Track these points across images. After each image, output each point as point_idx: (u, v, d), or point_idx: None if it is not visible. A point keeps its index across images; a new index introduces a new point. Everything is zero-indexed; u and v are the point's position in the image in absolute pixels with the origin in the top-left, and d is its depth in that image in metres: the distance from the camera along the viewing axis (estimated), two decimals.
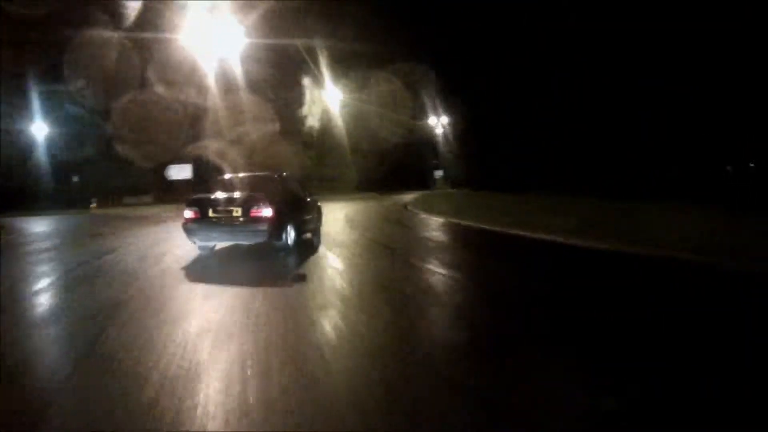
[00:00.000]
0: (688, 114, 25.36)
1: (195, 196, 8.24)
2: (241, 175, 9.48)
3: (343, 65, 40.96)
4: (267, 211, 7.50)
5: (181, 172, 31.36)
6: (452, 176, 62.43)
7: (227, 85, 31.14)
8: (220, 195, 7.96)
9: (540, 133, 31.58)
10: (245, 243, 8.18)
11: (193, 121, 31.77)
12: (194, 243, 8.01)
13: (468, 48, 37.04)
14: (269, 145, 36.70)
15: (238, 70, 30.31)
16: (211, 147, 32.47)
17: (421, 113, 57.32)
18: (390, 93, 44.32)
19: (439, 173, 64.83)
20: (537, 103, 31.36)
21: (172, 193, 32.82)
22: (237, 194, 7.87)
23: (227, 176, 9.51)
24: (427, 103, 50.93)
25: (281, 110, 37.92)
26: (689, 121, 25.46)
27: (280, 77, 37.18)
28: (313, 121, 43.87)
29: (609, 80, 27.33)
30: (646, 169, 26.56)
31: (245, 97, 32.78)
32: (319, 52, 38.43)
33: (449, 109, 43.98)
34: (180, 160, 32.06)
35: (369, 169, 48.92)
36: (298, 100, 42.06)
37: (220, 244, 8.71)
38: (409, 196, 32.97)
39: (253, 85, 33.24)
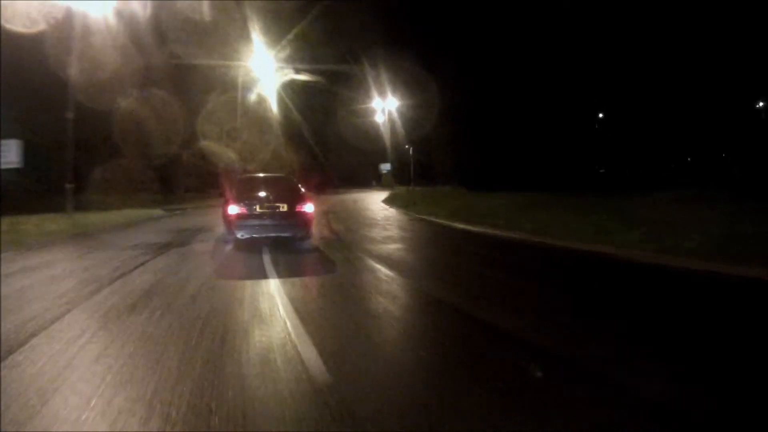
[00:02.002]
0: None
1: (240, 195, 8.45)
2: (264, 175, 10.54)
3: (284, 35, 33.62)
4: (309, 207, 8.61)
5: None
6: (399, 171, 56.28)
7: None
8: (264, 193, 8.55)
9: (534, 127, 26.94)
10: (286, 235, 8.55)
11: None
12: (241, 237, 8.23)
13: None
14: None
15: None
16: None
17: (367, 98, 51.30)
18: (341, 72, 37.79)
19: (386, 167, 58.06)
20: (530, 93, 26.76)
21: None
22: (281, 193, 8.62)
23: (251, 176, 10.75)
24: (378, 83, 44.59)
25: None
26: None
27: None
28: (245, 94, 35.85)
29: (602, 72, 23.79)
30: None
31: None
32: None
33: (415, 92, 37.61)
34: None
35: (305, 162, 42.24)
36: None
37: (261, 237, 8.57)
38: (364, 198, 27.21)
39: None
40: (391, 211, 19.07)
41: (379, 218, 16.09)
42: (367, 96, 51.45)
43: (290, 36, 35.43)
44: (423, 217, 15.01)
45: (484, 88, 28.83)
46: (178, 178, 36.51)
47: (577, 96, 28.88)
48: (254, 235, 8.29)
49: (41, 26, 20.83)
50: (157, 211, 22.31)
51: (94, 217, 17.90)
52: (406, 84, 39.87)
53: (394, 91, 47.07)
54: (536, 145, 28.13)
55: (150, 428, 2.33)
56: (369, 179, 60.33)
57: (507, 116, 28.36)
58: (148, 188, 32.27)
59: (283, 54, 36.59)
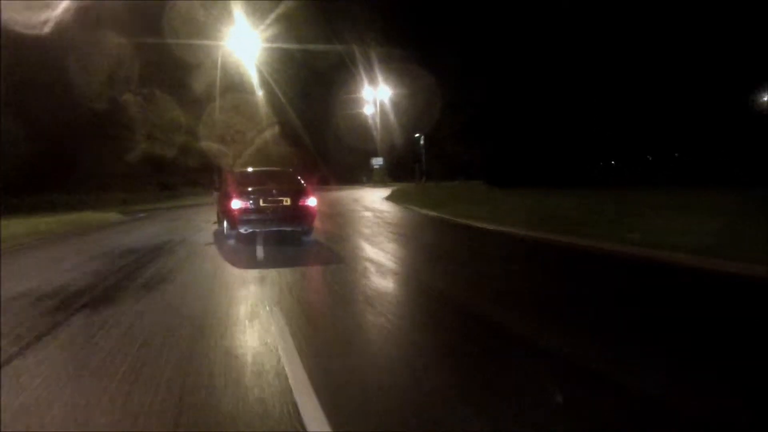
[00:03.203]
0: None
1: (243, 189, 8.32)
2: (266, 169, 11.02)
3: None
4: (312, 201, 8.46)
5: None
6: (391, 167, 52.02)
7: None
8: (266, 187, 8.43)
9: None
10: (289, 229, 8.58)
11: None
12: (243, 231, 8.21)
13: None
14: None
15: None
16: None
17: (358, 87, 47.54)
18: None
19: (377, 162, 53.70)
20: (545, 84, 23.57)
21: None
22: (284, 186, 8.52)
23: (253, 170, 10.39)
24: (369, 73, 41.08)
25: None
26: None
27: None
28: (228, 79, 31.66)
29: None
30: None
31: None
32: None
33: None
34: None
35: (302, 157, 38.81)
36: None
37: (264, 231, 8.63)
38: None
39: None
40: (413, 214, 14.92)
41: (405, 223, 12.04)
42: (362, 87, 47.80)
43: (276, 17, 31.45)
44: (479, 225, 10.81)
45: (510, 73, 25.04)
46: (155, 173, 31.81)
47: (601, 82, 25.38)
48: (257, 229, 8.38)
49: None
50: (115, 215, 17.78)
51: (23, 226, 13.31)
52: (412, 75, 35.95)
53: (399, 81, 43.31)
54: (566, 136, 24.39)
55: None
56: (360, 176, 56.06)
57: (535, 104, 24.59)
58: (115, 185, 27.67)
59: (269, 34, 32.48)
